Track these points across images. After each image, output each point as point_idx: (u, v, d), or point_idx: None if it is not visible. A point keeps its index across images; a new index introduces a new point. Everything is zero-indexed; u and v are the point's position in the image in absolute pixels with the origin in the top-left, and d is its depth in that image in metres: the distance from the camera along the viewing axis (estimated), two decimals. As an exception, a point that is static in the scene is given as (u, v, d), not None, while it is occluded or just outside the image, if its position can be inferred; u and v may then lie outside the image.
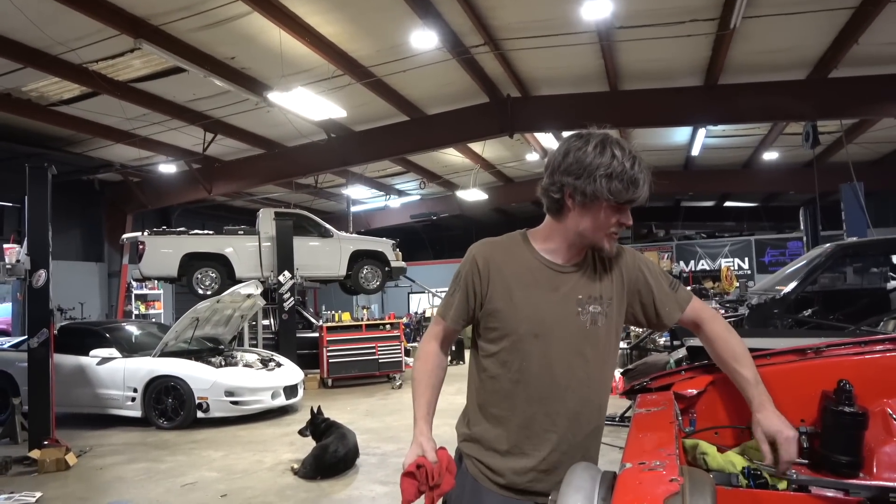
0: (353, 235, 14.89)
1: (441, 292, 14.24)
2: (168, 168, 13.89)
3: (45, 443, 6.76)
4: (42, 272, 7.11)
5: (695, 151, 14.46)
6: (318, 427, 6.32)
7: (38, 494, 5.55)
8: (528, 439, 1.77)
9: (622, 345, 11.63)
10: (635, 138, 14.51)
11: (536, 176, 18.75)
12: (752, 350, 2.38)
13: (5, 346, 9.74)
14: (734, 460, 1.89)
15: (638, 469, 1.21)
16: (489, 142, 13.78)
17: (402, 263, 14.16)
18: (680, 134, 14.27)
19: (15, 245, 8.03)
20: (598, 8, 7.95)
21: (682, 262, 19.18)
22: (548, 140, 14.55)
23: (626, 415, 6.84)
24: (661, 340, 8.56)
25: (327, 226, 13.65)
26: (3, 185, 12.49)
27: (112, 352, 8.69)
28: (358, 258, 13.53)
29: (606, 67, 10.20)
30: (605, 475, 1.33)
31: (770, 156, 15.68)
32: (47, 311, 7.20)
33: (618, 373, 9.11)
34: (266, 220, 12.76)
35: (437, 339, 1.94)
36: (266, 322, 12.55)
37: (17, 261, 7.38)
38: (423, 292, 19.32)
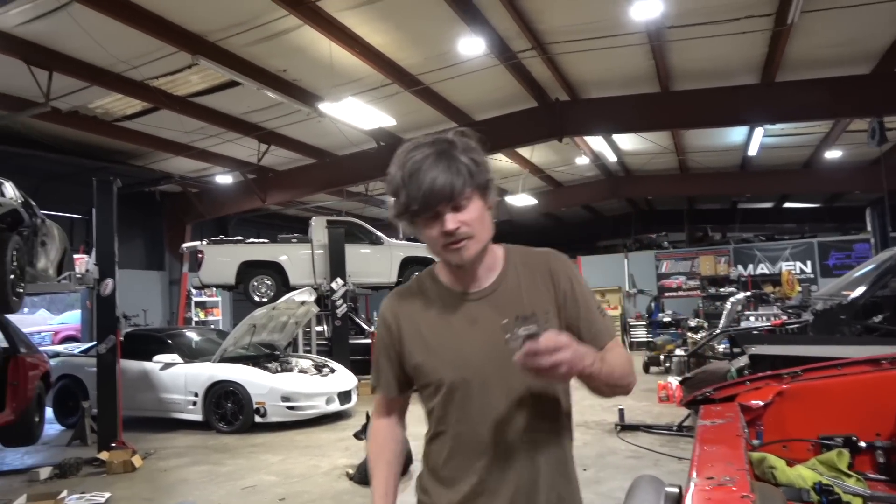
0: (404, 242, 14.97)
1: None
2: (224, 179, 14.33)
3: (113, 445, 7.06)
4: (109, 281, 7.43)
5: (752, 151, 14.00)
6: (372, 433, 6.38)
7: (108, 495, 5.78)
8: (482, 495, 1.55)
9: (679, 352, 11.34)
10: (688, 139, 14.21)
11: (587, 180, 18.51)
12: (821, 359, 2.30)
13: (76, 352, 10.22)
14: (804, 475, 1.82)
15: (706, 483, 1.18)
16: (538, 146, 13.69)
17: (452, 269, 14.17)
18: (736, 134, 13.86)
19: (84, 255, 8.41)
20: (648, 8, 7.82)
21: (739, 266, 18.56)
22: (598, 143, 14.37)
23: (685, 424, 6.67)
24: (721, 348, 8.29)
25: (378, 233, 13.80)
26: (72, 198, 13.14)
27: (174, 357, 8.99)
28: (408, 264, 13.62)
29: (657, 68, 10.01)
30: (670, 494, 1.30)
31: (833, 154, 15.06)
32: (114, 318, 7.53)
33: (675, 381, 8.89)
34: (319, 229, 13.00)
35: (382, 413, 1.74)
36: (319, 328, 12.77)
37: (87, 270, 7.74)
38: (473, 298, 19.25)
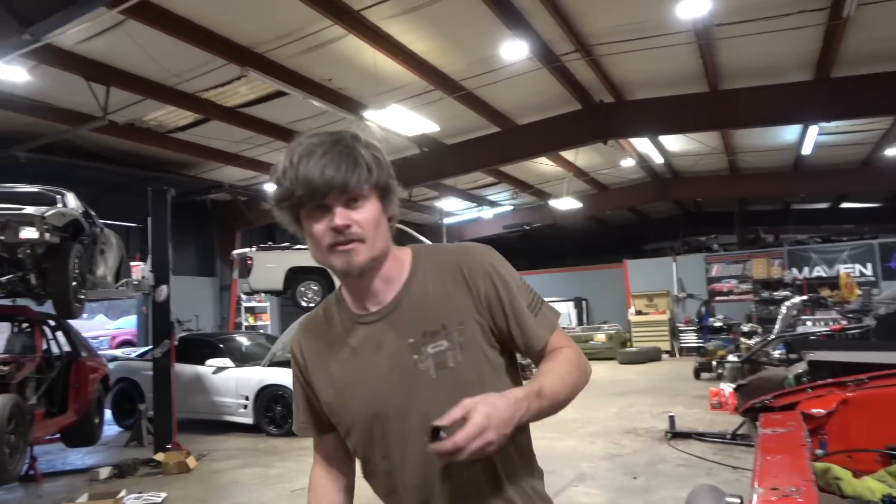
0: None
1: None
2: (272, 187, 14.61)
3: (169, 446, 7.28)
4: (164, 287, 7.67)
5: (806, 150, 13.54)
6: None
7: (164, 495, 5.96)
8: None
9: (731, 358, 11.01)
10: (739, 139, 13.83)
11: (632, 182, 18.22)
12: (886, 366, 2.20)
13: (132, 356, 10.58)
14: (872, 486, 1.73)
15: (771, 494, 1.14)
16: (582, 149, 13.53)
17: (496, 274, 14.10)
18: (789, 132, 13.42)
19: (140, 262, 8.70)
20: (695, 6, 7.66)
21: (794, 269, 17.94)
22: (644, 145, 14.13)
23: (739, 432, 6.47)
24: (776, 353, 8.02)
25: (422, 238, 13.84)
26: (128, 207, 13.62)
27: (226, 361, 9.22)
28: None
29: (705, 67, 9.79)
30: None
31: (894, 151, 14.44)
32: (169, 323, 7.77)
33: (728, 388, 8.64)
34: (363, 234, 13.11)
35: (321, 458, 1.56)
36: (364, 333, 12.87)
37: (143, 277, 8.00)
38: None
